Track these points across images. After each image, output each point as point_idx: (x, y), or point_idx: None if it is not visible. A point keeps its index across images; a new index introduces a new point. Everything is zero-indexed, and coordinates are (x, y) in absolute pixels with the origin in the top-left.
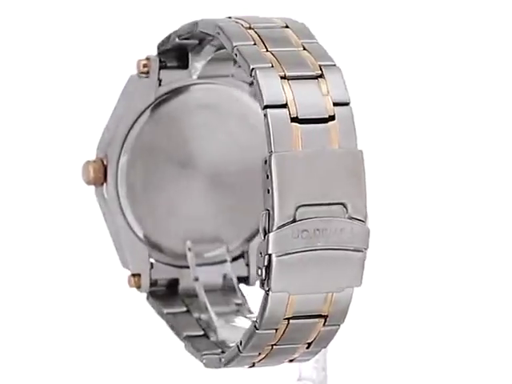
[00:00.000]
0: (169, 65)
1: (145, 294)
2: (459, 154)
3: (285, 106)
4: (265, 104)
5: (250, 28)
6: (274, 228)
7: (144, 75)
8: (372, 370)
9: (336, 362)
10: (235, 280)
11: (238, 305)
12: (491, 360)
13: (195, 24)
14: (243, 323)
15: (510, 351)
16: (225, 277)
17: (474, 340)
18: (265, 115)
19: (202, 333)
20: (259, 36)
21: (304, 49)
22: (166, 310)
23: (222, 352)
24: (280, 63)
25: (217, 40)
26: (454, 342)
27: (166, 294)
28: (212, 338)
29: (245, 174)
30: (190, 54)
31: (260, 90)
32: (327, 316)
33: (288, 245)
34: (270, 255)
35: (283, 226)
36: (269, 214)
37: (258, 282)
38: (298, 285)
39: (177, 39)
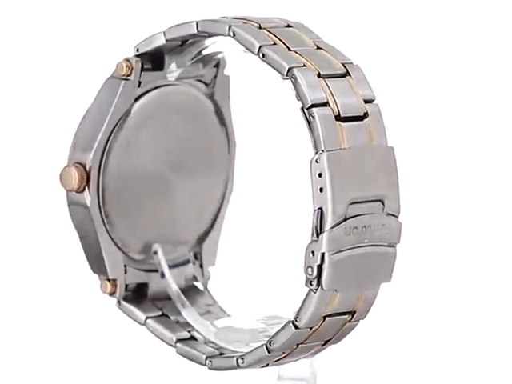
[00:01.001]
0: (145, 67)
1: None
2: (460, 149)
3: (326, 104)
4: (311, 103)
5: (261, 28)
6: (329, 226)
7: (125, 77)
8: (362, 368)
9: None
10: (202, 280)
11: (208, 305)
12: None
13: (193, 25)
14: (228, 323)
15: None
16: (187, 278)
17: (463, 339)
18: (311, 115)
19: (188, 335)
20: (275, 36)
21: (318, 47)
22: (145, 315)
23: (221, 354)
24: (310, 62)
25: (201, 42)
26: (443, 343)
27: (135, 299)
28: (200, 340)
29: (195, 175)
30: (165, 56)
31: (302, 90)
32: (355, 312)
33: (340, 243)
34: (323, 254)
35: (337, 224)
36: (321, 212)
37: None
38: (345, 282)
39: (164, 41)
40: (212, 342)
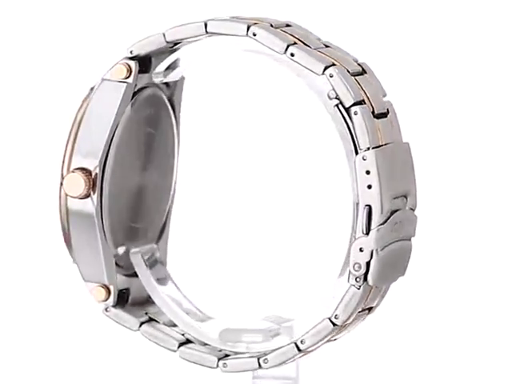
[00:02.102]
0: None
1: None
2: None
3: (363, 101)
4: (354, 101)
5: (274, 27)
6: (378, 223)
7: (124, 80)
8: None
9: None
10: (173, 280)
11: (185, 305)
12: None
13: (200, 26)
14: (228, 324)
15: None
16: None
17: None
18: (354, 112)
19: (185, 339)
20: (292, 35)
21: (326, 46)
22: (138, 320)
23: (226, 356)
24: (335, 60)
25: (191, 45)
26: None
27: (119, 305)
28: (195, 341)
29: (154, 175)
30: (152, 58)
31: (342, 88)
32: (372, 307)
33: (387, 238)
34: (371, 250)
35: (385, 220)
36: (370, 209)
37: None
38: (384, 277)
39: (164, 43)
40: (206, 344)
